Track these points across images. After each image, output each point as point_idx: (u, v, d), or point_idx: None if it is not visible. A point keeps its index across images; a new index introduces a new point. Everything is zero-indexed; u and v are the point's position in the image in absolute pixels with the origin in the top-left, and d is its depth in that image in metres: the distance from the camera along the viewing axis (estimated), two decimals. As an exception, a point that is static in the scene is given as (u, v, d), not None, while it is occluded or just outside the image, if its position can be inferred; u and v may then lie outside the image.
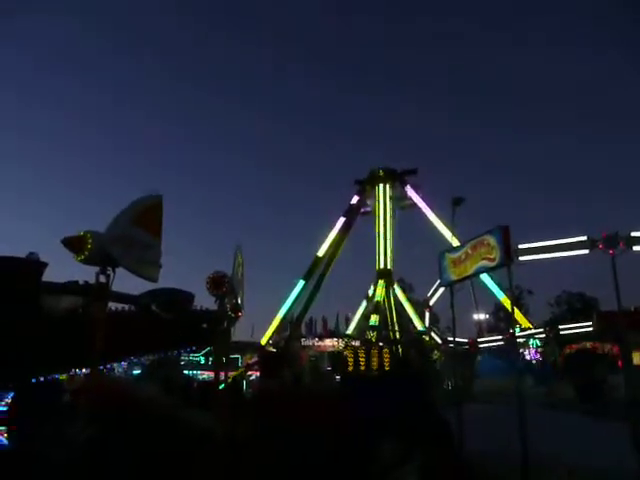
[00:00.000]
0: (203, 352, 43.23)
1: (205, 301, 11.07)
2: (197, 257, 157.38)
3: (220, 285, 10.07)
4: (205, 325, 11.26)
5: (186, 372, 35.81)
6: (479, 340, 36.89)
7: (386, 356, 30.23)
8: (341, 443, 7.01)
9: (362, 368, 28.74)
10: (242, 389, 29.60)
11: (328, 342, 40.89)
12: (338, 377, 28.34)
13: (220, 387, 11.44)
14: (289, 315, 41.60)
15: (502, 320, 48.35)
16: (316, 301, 41.93)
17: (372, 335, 37.03)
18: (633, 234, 13.05)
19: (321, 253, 43.33)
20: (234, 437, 7.62)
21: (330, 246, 43.35)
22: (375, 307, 40.47)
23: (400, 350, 33.43)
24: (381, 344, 32.99)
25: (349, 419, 7.63)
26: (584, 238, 13.74)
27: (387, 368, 29.17)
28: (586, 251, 13.70)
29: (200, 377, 39.08)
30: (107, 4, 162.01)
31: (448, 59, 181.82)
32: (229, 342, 12.61)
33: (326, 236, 43.83)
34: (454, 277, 15.43)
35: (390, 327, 40.08)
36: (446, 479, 7.15)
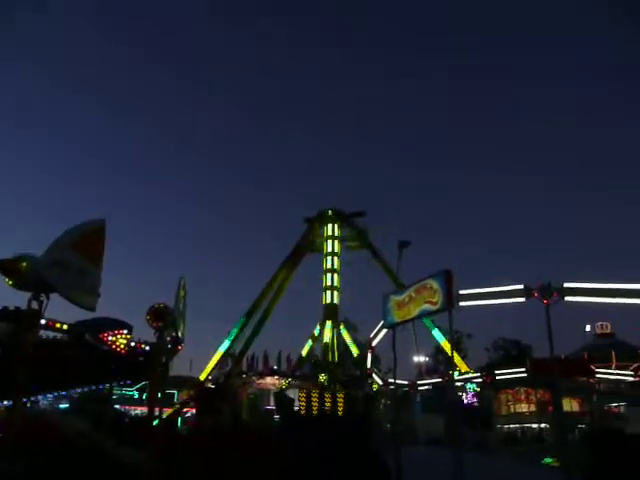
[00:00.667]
0: (137, 386, 41.62)
1: (144, 333, 10.72)
2: (140, 287, 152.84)
3: (161, 317, 9.79)
4: (142, 358, 10.86)
5: (117, 407, 34.29)
6: (418, 382, 37.26)
7: (340, 398, 29.98)
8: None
9: (314, 411, 28.44)
10: (177, 425, 28.47)
11: (269, 380, 40.15)
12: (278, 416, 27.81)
13: (153, 423, 10.99)
14: (230, 350, 40.74)
15: (441, 363, 49.07)
16: (259, 337, 41.34)
17: (324, 377, 36.79)
18: (566, 285, 13.68)
19: (267, 289, 42.98)
20: (165, 474, 7.31)
21: (276, 282, 43.11)
22: (324, 349, 40.28)
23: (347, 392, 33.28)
24: (332, 386, 32.78)
25: (285, 457, 7.48)
26: (521, 287, 14.28)
27: (341, 411, 28.96)
28: (522, 299, 14.22)
29: (132, 412, 37.43)
30: None
31: (402, 106, 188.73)
32: (166, 377, 12.21)
33: (272, 272, 43.68)
34: (397, 319, 15.69)
35: (339, 368, 39.94)
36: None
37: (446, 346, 36.81)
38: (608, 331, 48.84)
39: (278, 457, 7.45)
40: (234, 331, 41.04)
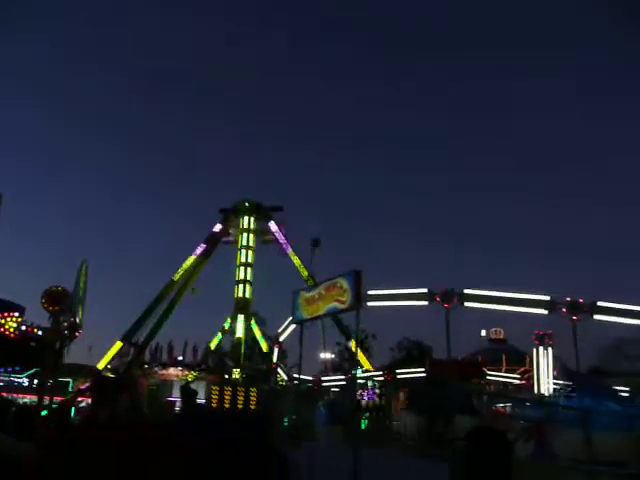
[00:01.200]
0: (28, 373, 39.06)
1: (37, 317, 10.08)
2: (37, 270, 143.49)
3: (57, 301, 9.24)
4: (33, 343, 10.22)
5: (4, 395, 32.01)
6: (323, 379, 37.86)
7: (247, 393, 29.90)
8: (169, 475, 6.70)
9: (226, 405, 28.17)
10: (69, 415, 27.03)
11: (172, 371, 39.12)
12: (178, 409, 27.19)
13: (43, 413, 10.38)
14: (133, 339, 39.27)
15: (346, 360, 50.15)
16: (165, 327, 40.21)
17: (237, 372, 36.38)
18: (466, 291, 14.46)
19: (176, 277, 41.88)
20: (53, 468, 6.92)
21: (186, 271, 42.11)
22: (236, 342, 39.86)
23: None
24: (241, 381, 32.52)
25: (181, 451, 7.32)
26: (425, 290, 14.95)
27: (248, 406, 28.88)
28: (425, 303, 14.87)
29: (21, 401, 35.10)
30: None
31: (321, 107, 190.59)
32: (60, 364, 11.55)
33: (184, 261, 42.60)
34: (306, 315, 15.88)
35: (248, 363, 39.70)
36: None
37: (352, 344, 37.72)
38: (501, 337, 52.19)
39: (174, 449, 7.29)
40: (139, 319, 39.67)
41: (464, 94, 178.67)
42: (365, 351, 48.26)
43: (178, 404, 31.01)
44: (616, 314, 13.77)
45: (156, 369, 38.20)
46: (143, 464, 6.78)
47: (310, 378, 37.98)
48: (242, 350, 39.65)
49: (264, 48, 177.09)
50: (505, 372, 43.30)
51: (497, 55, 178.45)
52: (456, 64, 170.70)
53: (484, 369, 39.78)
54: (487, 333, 52.13)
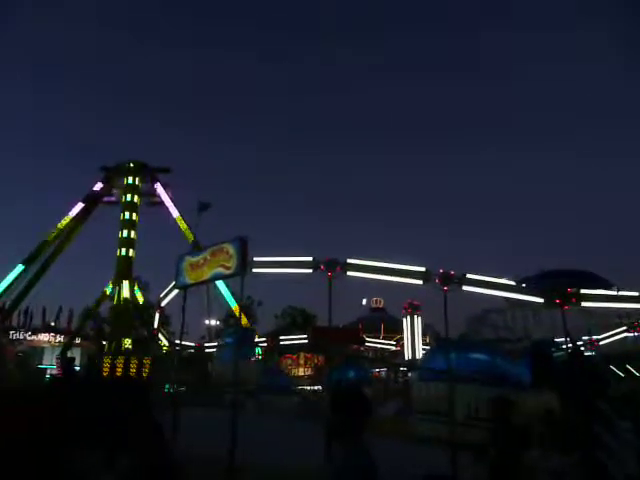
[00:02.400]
0: None
1: None
2: None
3: None
4: None
5: None
6: (206, 345, 37.60)
7: (146, 362, 28.97)
8: (41, 444, 6.31)
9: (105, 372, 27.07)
10: None
11: (44, 337, 36.68)
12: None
13: None
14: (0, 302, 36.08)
15: (232, 327, 50.19)
16: (37, 291, 37.25)
17: (125, 341, 34.75)
18: (349, 261, 14.92)
19: (50, 237, 38.80)
20: None
21: (62, 231, 39.15)
22: (120, 307, 37.81)
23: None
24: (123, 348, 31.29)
25: (54, 420, 6.92)
26: (310, 259, 15.21)
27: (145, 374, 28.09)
28: (310, 271, 15.15)
29: None
30: None
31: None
32: None
33: (59, 221, 39.55)
34: (190, 280, 15.52)
35: (131, 329, 37.98)
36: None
37: (237, 310, 37.69)
38: (381, 306, 55.06)
39: (45, 416, 6.85)
40: (7, 280, 36.49)
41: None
42: (250, 318, 48.55)
43: (51, 371, 29.27)
44: (482, 286, 14.98)
45: (26, 335, 35.61)
46: (10, 435, 6.33)
47: (192, 344, 37.53)
48: (124, 316, 37.93)
49: None
50: (383, 339, 45.84)
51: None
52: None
53: (363, 336, 41.78)
54: (368, 302, 54.67)
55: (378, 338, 46.33)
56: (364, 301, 51.85)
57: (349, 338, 39.11)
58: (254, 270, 15.65)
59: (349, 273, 14.72)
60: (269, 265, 15.78)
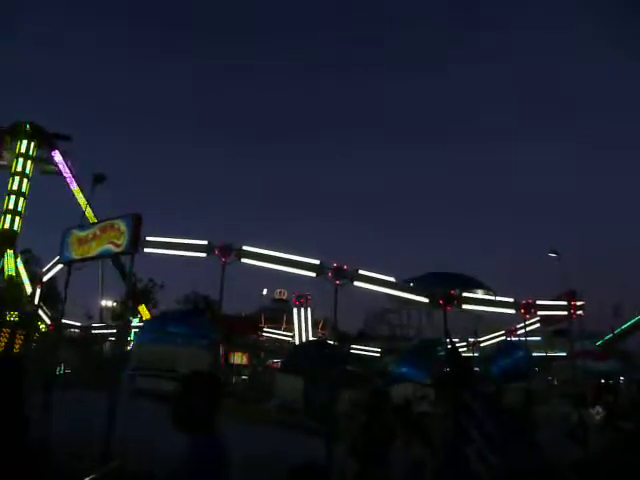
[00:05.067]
0: None
1: None
2: None
3: None
4: None
5: None
6: (94, 325, 35.92)
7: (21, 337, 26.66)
8: None
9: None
10: None
11: None
12: None
13: None
14: None
15: (128, 309, 48.21)
16: None
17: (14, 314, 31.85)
18: (244, 248, 14.77)
19: None
20: None
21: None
22: (8, 282, 34.68)
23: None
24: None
25: None
26: (205, 242, 14.89)
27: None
28: (204, 254, 14.84)
29: None
30: None
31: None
32: None
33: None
34: (75, 256, 14.59)
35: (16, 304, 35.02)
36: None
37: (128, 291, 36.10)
38: (284, 297, 55.13)
39: None
40: None
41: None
42: (149, 302, 46.95)
43: None
44: (372, 282, 15.36)
45: None
46: None
47: (77, 324, 35.61)
48: (15, 289, 34.93)
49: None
50: (284, 330, 46.04)
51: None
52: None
53: (262, 326, 41.74)
54: (271, 293, 54.61)
55: (280, 329, 46.46)
56: (265, 291, 51.54)
57: (248, 327, 39.05)
58: (146, 250, 15.08)
59: (244, 260, 14.55)
60: (162, 246, 15.25)
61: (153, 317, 34.44)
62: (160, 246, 15.38)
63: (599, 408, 13.72)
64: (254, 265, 15.20)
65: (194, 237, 15.23)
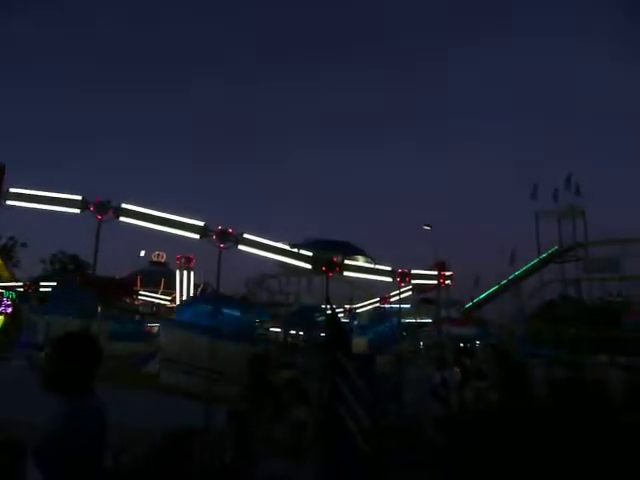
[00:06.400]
0: None
1: None
2: None
3: None
4: None
5: None
6: None
7: None
8: None
9: None
10: None
11: None
12: None
13: None
14: None
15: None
16: None
17: None
18: (124, 205, 13.96)
19: None
20: None
21: None
22: None
23: None
24: None
25: None
26: (79, 198, 13.84)
27: None
28: (77, 211, 13.81)
29: None
30: None
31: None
32: None
33: None
34: None
35: None
36: None
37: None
38: (163, 260, 53.12)
39: None
40: None
41: None
42: (10, 260, 43.11)
43: None
44: (257, 247, 15.30)
45: None
46: None
47: None
48: None
49: None
50: (162, 295, 44.58)
51: None
52: None
53: (138, 289, 40.11)
54: (149, 255, 52.39)
55: (157, 293, 44.91)
56: (142, 253, 49.18)
57: (122, 290, 37.23)
58: (8, 202, 13.67)
59: (122, 219, 13.68)
60: (29, 199, 13.84)
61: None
62: (26, 199, 13.97)
63: (457, 369, 15.13)
64: (133, 224, 14.35)
65: (70, 192, 14.06)
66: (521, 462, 3.45)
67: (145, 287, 43.83)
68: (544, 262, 36.13)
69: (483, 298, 36.56)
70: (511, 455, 3.52)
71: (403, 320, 27.10)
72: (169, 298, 39.94)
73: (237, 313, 14.24)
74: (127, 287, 37.68)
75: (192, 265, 30.68)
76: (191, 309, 15.37)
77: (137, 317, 36.98)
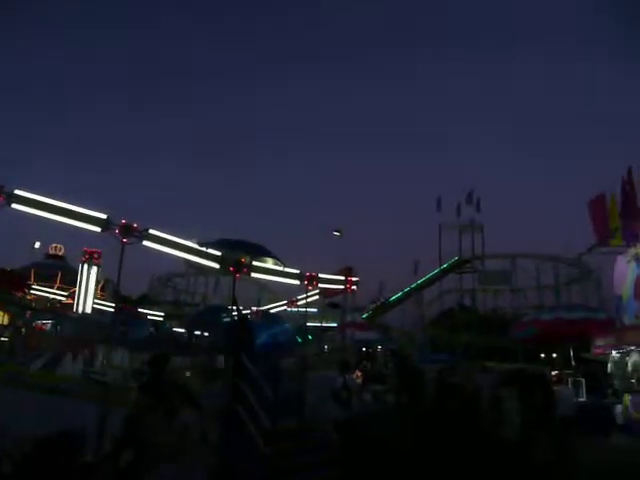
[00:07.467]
0: None
1: None
2: None
3: None
4: None
5: None
6: None
7: None
8: None
9: None
10: None
11: None
12: None
13: None
14: None
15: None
16: None
17: None
18: (17, 192, 13.02)
19: None
20: None
21: None
22: None
23: None
24: None
25: None
26: (-40, 181, 12.75)
27: None
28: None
29: None
30: None
31: None
32: None
33: None
34: None
35: None
36: None
37: None
38: (60, 253, 49.96)
39: None
40: None
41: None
42: None
43: None
44: (163, 243, 14.85)
45: None
46: None
47: None
48: None
49: None
50: (58, 289, 42.09)
51: None
52: None
53: (31, 283, 37.50)
54: (45, 247, 48.98)
55: (53, 287, 42.24)
56: (37, 244, 45.53)
57: (14, 283, 34.57)
58: None
59: (15, 206, 12.67)
60: None
61: None
62: None
63: (358, 373, 15.49)
64: (28, 214, 13.36)
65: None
66: (409, 461, 3.63)
67: (39, 281, 41.11)
68: (444, 272, 38.18)
69: (387, 304, 37.84)
70: (401, 454, 3.70)
71: (309, 324, 27.41)
72: (66, 294, 37.71)
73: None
74: (19, 280, 35.00)
75: (99, 261, 29.05)
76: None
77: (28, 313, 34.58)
